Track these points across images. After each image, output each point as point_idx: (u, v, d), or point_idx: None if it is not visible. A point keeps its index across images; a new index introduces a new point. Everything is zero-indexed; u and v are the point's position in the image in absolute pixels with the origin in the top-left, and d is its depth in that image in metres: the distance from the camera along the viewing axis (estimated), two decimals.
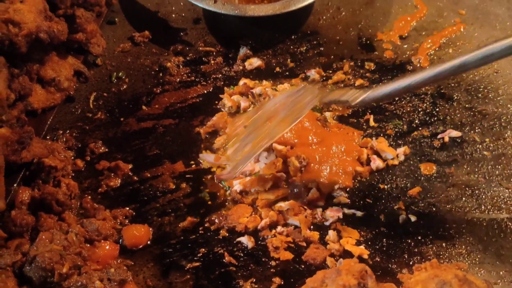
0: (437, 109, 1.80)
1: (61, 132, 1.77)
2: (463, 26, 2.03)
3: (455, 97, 1.83)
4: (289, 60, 1.98)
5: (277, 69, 1.96)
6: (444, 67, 1.34)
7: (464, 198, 1.61)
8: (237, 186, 1.63)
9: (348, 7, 2.13)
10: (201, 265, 1.51)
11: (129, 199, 1.64)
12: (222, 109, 1.84)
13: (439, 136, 1.74)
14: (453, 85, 1.86)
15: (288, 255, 1.51)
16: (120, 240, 1.54)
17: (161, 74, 1.95)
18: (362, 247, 1.52)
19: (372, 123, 1.78)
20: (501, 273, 1.46)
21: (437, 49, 1.97)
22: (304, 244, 1.54)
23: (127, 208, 1.62)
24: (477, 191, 1.62)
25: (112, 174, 1.69)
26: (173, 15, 2.12)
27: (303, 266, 1.50)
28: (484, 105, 1.81)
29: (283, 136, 1.67)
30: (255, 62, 1.96)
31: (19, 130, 1.48)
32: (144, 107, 1.86)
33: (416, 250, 1.51)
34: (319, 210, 1.59)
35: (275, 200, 1.60)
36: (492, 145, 1.71)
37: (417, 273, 1.34)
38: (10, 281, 1.34)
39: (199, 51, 2.01)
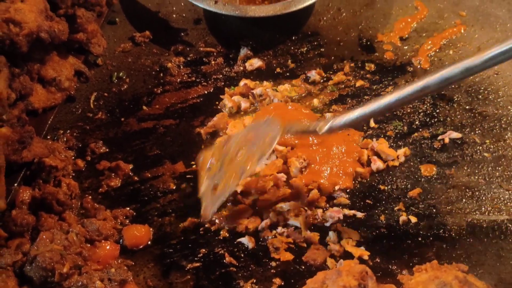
0: (438, 111, 1.81)
1: (61, 132, 1.77)
2: (464, 28, 2.04)
3: (456, 99, 1.83)
4: (289, 61, 1.98)
5: (278, 69, 1.96)
6: (407, 90, 1.33)
7: (464, 200, 1.61)
8: (237, 187, 1.62)
9: (349, 8, 2.13)
10: (201, 266, 1.51)
11: (129, 199, 1.64)
12: (223, 110, 1.84)
13: (439, 138, 1.74)
14: (453, 86, 1.86)
15: (289, 256, 1.51)
16: (121, 240, 1.54)
17: (161, 74, 1.95)
18: (362, 248, 1.52)
19: (372, 124, 1.78)
20: (501, 274, 1.46)
21: (437, 50, 1.98)
22: (305, 245, 1.54)
23: (128, 208, 1.62)
24: (477, 193, 1.62)
25: (113, 174, 1.69)
26: (174, 16, 2.12)
27: (303, 267, 1.50)
28: (485, 106, 1.81)
29: (283, 138, 1.68)
30: (255, 63, 1.96)
31: (20, 129, 1.48)
32: (144, 107, 1.86)
33: (416, 251, 1.51)
34: (319, 211, 1.59)
35: (276, 201, 1.60)
36: (492, 146, 1.71)
37: (418, 274, 1.34)
38: (10, 280, 1.34)
39: (199, 52, 2.01)
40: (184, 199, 1.65)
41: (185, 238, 1.57)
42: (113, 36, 2.04)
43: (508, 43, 1.22)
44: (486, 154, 1.70)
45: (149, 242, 1.55)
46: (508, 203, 1.59)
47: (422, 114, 1.80)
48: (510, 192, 1.61)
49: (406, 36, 2.03)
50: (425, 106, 1.82)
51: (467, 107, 1.81)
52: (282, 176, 1.64)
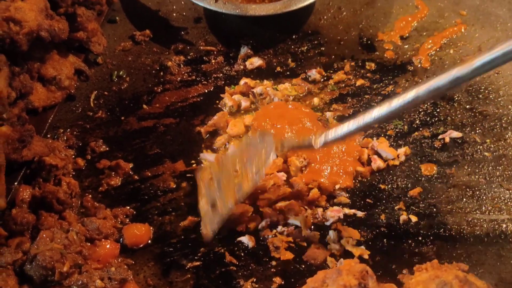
0: (438, 110, 1.81)
1: (61, 130, 1.77)
2: (464, 27, 2.04)
3: (456, 98, 1.83)
4: (290, 59, 1.98)
5: (278, 68, 1.96)
6: (399, 102, 1.33)
7: (464, 199, 1.61)
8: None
9: (349, 7, 2.13)
10: (201, 265, 1.51)
11: (129, 198, 1.64)
12: (223, 109, 1.84)
13: (440, 137, 1.74)
14: None
15: (289, 255, 1.51)
16: (121, 239, 1.54)
17: (162, 73, 1.95)
18: (362, 247, 1.52)
19: None
20: (501, 274, 1.46)
21: (438, 49, 1.98)
22: (305, 244, 1.54)
23: (128, 207, 1.61)
24: (477, 192, 1.62)
25: (113, 173, 1.69)
26: (174, 14, 2.12)
27: (303, 266, 1.50)
28: (485, 106, 1.81)
29: (283, 137, 1.68)
30: (256, 62, 1.96)
31: (20, 128, 1.48)
32: (145, 106, 1.86)
33: (416, 250, 1.51)
34: (319, 210, 1.59)
35: (276, 200, 1.60)
36: (493, 146, 1.71)
37: (418, 273, 1.34)
38: (10, 279, 1.34)
39: (200, 50, 2.01)
40: (184, 198, 1.65)
41: (185, 237, 1.57)
42: (113, 35, 2.04)
43: (494, 52, 1.23)
44: (486, 154, 1.70)
45: (149, 241, 1.55)
46: (509, 203, 1.59)
47: (422, 113, 1.80)
48: (510, 191, 1.61)
49: (407, 35, 2.03)
50: (426, 105, 1.82)
51: (467, 106, 1.81)
52: (283, 175, 1.64)
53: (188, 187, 1.67)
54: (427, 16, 2.08)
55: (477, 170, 1.67)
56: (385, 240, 1.54)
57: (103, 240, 1.50)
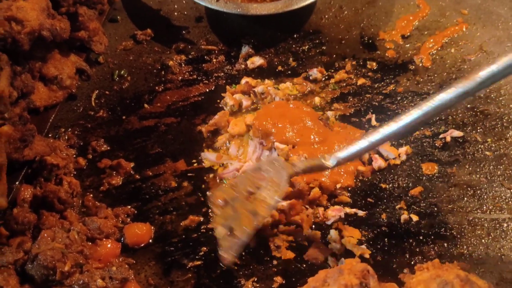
0: None
1: (63, 130, 1.77)
2: (466, 26, 2.03)
3: None
4: (291, 59, 1.98)
5: (279, 68, 1.96)
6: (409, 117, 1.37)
7: (465, 198, 1.61)
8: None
9: (350, 6, 2.13)
10: (202, 264, 1.51)
11: (131, 198, 1.64)
12: (224, 108, 1.84)
13: (441, 136, 1.74)
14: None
15: (290, 254, 1.51)
16: (122, 239, 1.54)
17: (163, 72, 1.95)
18: (363, 246, 1.52)
19: (374, 122, 1.78)
20: (502, 273, 1.46)
21: (439, 48, 1.97)
22: (306, 244, 1.54)
23: (129, 207, 1.62)
24: (478, 191, 1.62)
25: (114, 172, 1.69)
26: (176, 13, 2.12)
27: (304, 266, 1.50)
28: (486, 105, 1.81)
29: (284, 136, 1.68)
30: (257, 61, 1.96)
31: (22, 128, 1.48)
32: (146, 105, 1.86)
33: (417, 250, 1.51)
34: (320, 209, 1.59)
35: None
36: (494, 145, 1.71)
37: (419, 273, 1.34)
38: (12, 279, 1.34)
39: (201, 50, 2.01)
40: (185, 197, 1.65)
41: (186, 236, 1.57)
42: (114, 34, 2.04)
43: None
44: (487, 153, 1.70)
45: (150, 241, 1.56)
46: (510, 202, 1.59)
47: None
48: (511, 190, 1.61)
49: (408, 34, 2.03)
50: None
51: (468, 105, 1.81)
52: None
53: (189, 186, 1.67)
54: (429, 15, 2.08)
55: (478, 169, 1.66)
56: (386, 239, 1.54)
57: (104, 239, 1.50)
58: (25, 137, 1.48)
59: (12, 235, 1.44)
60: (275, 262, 1.51)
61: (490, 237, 1.52)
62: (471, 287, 1.20)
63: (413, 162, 1.69)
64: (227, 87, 1.89)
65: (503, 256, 1.49)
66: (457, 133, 1.73)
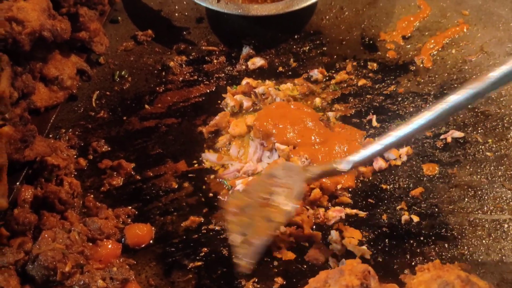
0: None
1: (63, 130, 1.77)
2: (466, 27, 2.03)
3: None
4: (292, 59, 1.98)
5: (280, 68, 1.96)
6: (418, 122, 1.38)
7: (466, 199, 1.61)
8: (239, 185, 1.62)
9: (351, 7, 2.13)
10: (203, 265, 1.51)
11: (131, 198, 1.64)
12: (225, 109, 1.84)
13: (441, 137, 1.74)
14: (455, 85, 1.85)
15: (291, 255, 1.51)
16: (123, 239, 1.54)
17: (164, 73, 1.95)
18: (364, 247, 1.52)
19: (374, 123, 1.78)
20: (503, 274, 1.46)
21: (440, 49, 1.97)
22: (307, 244, 1.54)
23: (130, 207, 1.62)
24: (479, 192, 1.62)
25: (115, 173, 1.69)
26: (176, 14, 2.12)
27: (305, 266, 1.50)
28: (487, 105, 1.81)
29: (285, 137, 1.68)
30: (258, 62, 1.96)
31: (22, 128, 1.48)
32: (146, 106, 1.86)
33: (418, 250, 1.51)
34: (321, 210, 1.59)
35: None
36: (494, 146, 1.71)
37: (420, 273, 1.34)
38: (12, 279, 1.34)
39: (202, 50, 2.01)
40: (186, 198, 1.65)
41: (187, 237, 1.57)
42: (115, 35, 2.04)
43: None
44: (488, 154, 1.69)
45: (151, 241, 1.55)
46: (511, 203, 1.59)
47: None
48: None
49: (409, 35, 2.03)
50: (428, 105, 1.82)
51: (469, 106, 1.81)
52: None
53: (190, 187, 1.67)
54: (429, 16, 2.08)
55: (479, 170, 1.66)
56: (387, 240, 1.54)
57: (105, 240, 1.50)
58: (25, 138, 1.48)
59: (13, 236, 1.44)
60: (275, 262, 1.51)
61: (491, 238, 1.52)
62: None
63: (414, 162, 1.69)
64: (228, 88, 1.89)
65: (504, 257, 1.49)
66: (458, 134, 1.73)
